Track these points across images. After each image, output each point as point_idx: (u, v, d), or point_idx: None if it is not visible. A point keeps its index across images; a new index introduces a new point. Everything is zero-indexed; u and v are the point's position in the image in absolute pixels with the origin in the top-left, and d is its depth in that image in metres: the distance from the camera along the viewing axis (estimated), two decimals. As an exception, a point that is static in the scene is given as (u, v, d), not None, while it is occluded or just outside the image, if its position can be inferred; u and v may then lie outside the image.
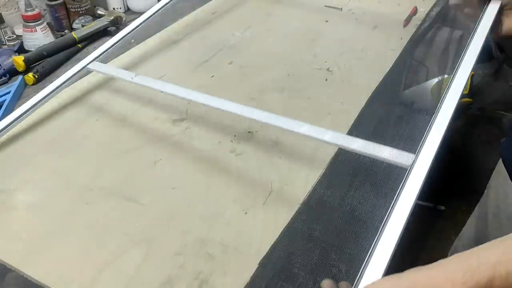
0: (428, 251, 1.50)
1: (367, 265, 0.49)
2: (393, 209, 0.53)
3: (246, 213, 0.67)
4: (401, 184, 0.57)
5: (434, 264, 0.44)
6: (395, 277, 0.44)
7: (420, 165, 0.60)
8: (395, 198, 0.55)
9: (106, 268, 0.60)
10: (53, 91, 0.89)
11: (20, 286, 0.60)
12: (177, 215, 0.67)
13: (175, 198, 0.70)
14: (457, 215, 1.61)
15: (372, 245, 0.50)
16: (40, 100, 0.86)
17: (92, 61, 0.94)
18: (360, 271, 0.49)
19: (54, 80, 1.06)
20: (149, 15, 1.09)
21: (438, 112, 0.70)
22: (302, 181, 0.73)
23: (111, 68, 0.93)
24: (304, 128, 0.70)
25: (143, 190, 0.72)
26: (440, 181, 1.63)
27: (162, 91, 0.83)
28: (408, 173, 0.60)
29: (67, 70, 1.10)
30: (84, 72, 0.95)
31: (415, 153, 0.62)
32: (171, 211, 0.68)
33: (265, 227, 0.65)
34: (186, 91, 0.82)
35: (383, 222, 0.52)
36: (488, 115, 1.71)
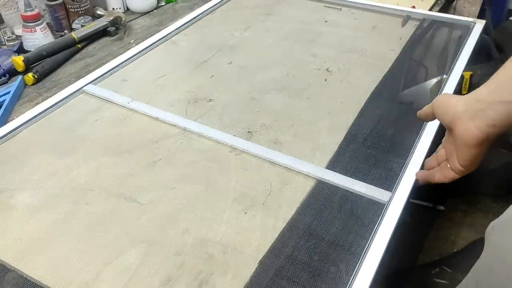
0: (427, 251, 1.50)
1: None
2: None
3: (245, 213, 0.67)
4: (379, 219, 0.65)
5: None
6: None
7: (395, 202, 0.67)
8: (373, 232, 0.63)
9: (106, 268, 0.60)
10: (47, 109, 0.89)
11: (20, 286, 0.60)
12: (176, 215, 0.67)
13: (175, 198, 0.70)
14: (457, 215, 1.61)
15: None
16: (33, 117, 0.87)
17: (88, 84, 0.95)
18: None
19: (54, 80, 1.07)
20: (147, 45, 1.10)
21: (413, 153, 0.76)
22: (302, 181, 0.73)
23: (106, 92, 0.94)
24: (286, 160, 0.76)
25: (143, 190, 0.72)
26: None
27: (157, 117, 0.86)
28: (385, 209, 0.66)
29: (67, 70, 1.10)
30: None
31: (391, 191, 0.69)
32: (171, 211, 0.68)
33: (264, 227, 0.65)
34: (180, 119, 0.85)
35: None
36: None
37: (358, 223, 0.65)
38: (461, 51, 1.03)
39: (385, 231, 0.62)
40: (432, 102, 0.63)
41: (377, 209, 0.67)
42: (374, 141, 0.81)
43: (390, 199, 0.68)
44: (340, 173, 0.73)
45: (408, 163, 0.74)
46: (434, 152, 0.70)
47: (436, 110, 0.63)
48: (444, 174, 0.65)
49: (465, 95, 0.61)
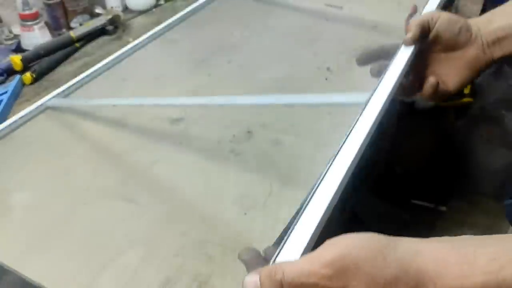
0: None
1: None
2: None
3: (245, 213, 0.67)
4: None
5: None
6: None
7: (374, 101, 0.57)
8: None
9: (105, 269, 0.59)
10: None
11: (19, 287, 0.59)
12: (175, 216, 0.67)
13: (174, 199, 0.70)
14: (458, 216, 1.60)
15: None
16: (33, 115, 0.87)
17: (54, 97, 0.91)
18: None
19: (52, 79, 1.06)
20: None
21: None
22: (302, 181, 0.72)
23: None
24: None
25: (142, 190, 0.71)
26: (440, 181, 1.63)
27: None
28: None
29: (65, 69, 1.10)
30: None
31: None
32: (170, 211, 0.67)
33: (264, 228, 0.64)
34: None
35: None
36: (489, 115, 1.71)
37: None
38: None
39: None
40: (431, 16, 0.60)
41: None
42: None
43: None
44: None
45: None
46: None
47: (444, 29, 0.60)
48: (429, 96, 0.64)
49: (474, 19, 0.60)
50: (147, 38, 1.11)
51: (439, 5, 0.77)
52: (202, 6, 1.27)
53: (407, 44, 0.63)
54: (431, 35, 0.62)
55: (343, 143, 0.49)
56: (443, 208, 1.57)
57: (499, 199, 1.56)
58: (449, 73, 0.62)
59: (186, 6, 1.26)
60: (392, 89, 0.57)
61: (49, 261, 0.61)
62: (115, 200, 0.69)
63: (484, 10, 1.80)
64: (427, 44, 0.63)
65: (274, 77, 0.98)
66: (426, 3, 0.80)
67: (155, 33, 1.13)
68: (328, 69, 1.00)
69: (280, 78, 0.97)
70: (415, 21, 0.62)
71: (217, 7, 1.28)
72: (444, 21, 0.61)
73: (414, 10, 0.72)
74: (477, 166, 1.60)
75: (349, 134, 0.51)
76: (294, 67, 1.01)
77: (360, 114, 0.54)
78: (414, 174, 1.73)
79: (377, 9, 1.24)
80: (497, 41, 0.58)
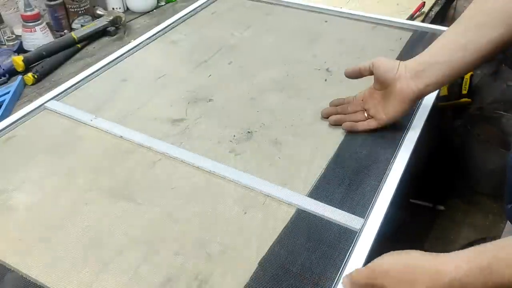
0: (427, 251, 1.50)
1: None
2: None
3: (245, 213, 0.67)
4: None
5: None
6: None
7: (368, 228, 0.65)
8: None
9: (105, 268, 0.60)
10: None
11: (19, 286, 0.60)
12: (176, 215, 0.67)
13: (175, 198, 0.70)
14: (457, 215, 1.61)
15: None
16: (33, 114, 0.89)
17: (50, 100, 0.91)
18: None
19: (54, 80, 1.07)
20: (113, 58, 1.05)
21: (386, 179, 0.73)
22: (302, 181, 0.73)
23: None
24: (265, 188, 0.71)
25: (142, 190, 0.72)
26: (439, 181, 1.63)
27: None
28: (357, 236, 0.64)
29: (66, 70, 1.11)
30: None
31: (364, 217, 0.66)
32: (170, 211, 0.68)
33: (264, 227, 0.65)
34: (145, 138, 0.81)
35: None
36: (487, 115, 1.71)
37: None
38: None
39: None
40: (372, 61, 0.76)
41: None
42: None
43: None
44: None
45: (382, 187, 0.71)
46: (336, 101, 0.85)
47: (377, 69, 0.75)
48: (368, 123, 0.79)
49: (406, 61, 0.74)
50: (147, 38, 1.12)
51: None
52: (202, 7, 1.28)
53: (345, 72, 0.82)
54: (374, 76, 0.77)
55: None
56: (441, 208, 1.58)
57: (496, 199, 1.57)
58: (384, 105, 0.76)
59: (186, 7, 1.27)
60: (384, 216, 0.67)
61: (49, 261, 0.61)
62: (115, 200, 0.70)
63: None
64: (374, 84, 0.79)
65: (274, 78, 0.98)
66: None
67: (156, 33, 1.14)
68: (327, 70, 1.01)
69: (280, 79, 0.98)
70: (362, 64, 0.78)
71: (217, 7, 1.29)
72: (378, 64, 0.75)
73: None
74: (475, 166, 1.60)
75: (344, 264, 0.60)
76: (293, 67, 1.02)
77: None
78: (412, 173, 1.73)
79: (376, 10, 1.25)
80: (417, 74, 0.71)
